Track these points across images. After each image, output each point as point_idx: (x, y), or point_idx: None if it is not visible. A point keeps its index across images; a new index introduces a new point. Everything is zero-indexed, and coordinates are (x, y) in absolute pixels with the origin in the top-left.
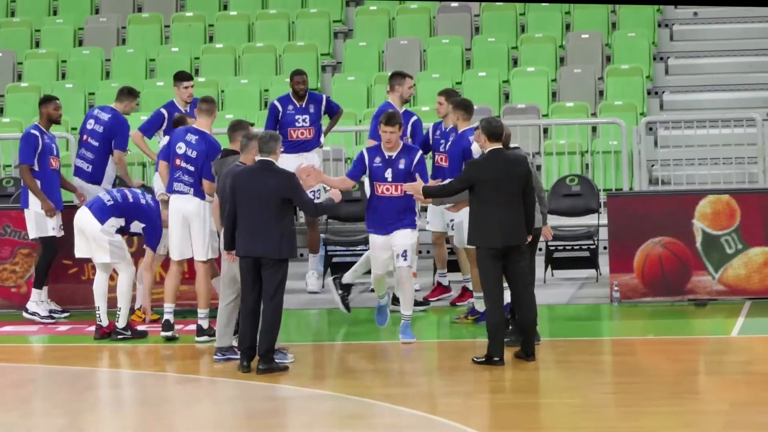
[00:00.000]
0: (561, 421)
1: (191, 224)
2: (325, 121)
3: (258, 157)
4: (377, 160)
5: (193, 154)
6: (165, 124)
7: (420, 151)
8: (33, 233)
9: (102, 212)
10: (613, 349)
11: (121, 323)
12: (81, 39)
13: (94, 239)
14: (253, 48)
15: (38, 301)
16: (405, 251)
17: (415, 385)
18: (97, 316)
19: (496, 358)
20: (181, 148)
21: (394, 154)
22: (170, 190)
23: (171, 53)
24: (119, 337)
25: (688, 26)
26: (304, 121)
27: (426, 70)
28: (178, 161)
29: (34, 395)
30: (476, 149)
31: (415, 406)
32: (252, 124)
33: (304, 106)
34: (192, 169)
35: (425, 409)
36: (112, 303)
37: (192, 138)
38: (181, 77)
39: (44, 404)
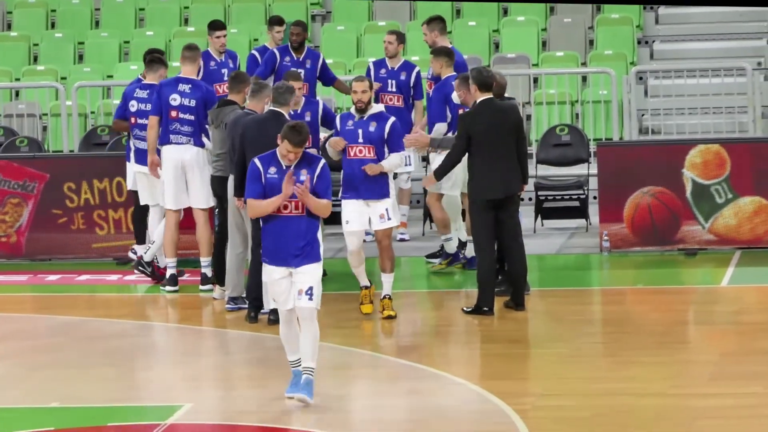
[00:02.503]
0: (550, 370)
1: (189, 173)
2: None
3: (269, 107)
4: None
5: (192, 103)
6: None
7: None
8: (131, 186)
9: None
10: (602, 299)
11: (148, 256)
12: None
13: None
14: None
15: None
16: (310, 288)
17: (406, 335)
18: (146, 252)
19: (485, 308)
20: (175, 99)
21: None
22: (165, 141)
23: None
24: (139, 268)
25: None
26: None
27: (416, 19)
28: (174, 113)
29: (26, 346)
30: (455, 98)
31: (405, 355)
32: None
33: (301, 59)
34: (192, 118)
35: (414, 358)
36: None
37: (185, 87)
38: (213, 26)
39: (39, 356)
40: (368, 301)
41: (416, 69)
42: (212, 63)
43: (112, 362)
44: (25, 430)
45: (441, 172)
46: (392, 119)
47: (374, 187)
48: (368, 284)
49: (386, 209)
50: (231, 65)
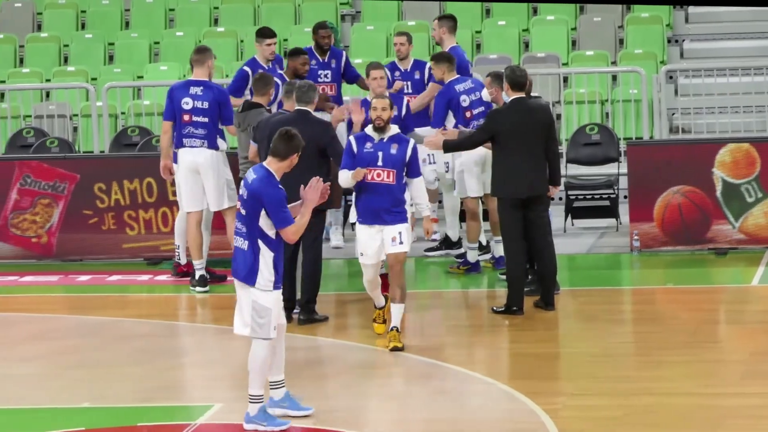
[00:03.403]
0: (580, 370)
1: (205, 175)
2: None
3: (295, 107)
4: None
5: (204, 105)
6: (250, 83)
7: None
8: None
9: None
10: (632, 299)
11: (183, 260)
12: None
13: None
14: None
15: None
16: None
17: (435, 335)
18: (177, 254)
19: (515, 308)
20: (187, 103)
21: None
22: (179, 145)
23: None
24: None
25: None
26: (326, 76)
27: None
28: (186, 117)
29: (57, 346)
30: (486, 95)
31: (435, 355)
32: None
33: (326, 60)
34: (206, 120)
35: (443, 358)
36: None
37: (197, 90)
38: (263, 34)
39: (70, 356)
40: (381, 321)
41: (427, 64)
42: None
43: (142, 362)
44: (55, 430)
45: (450, 147)
46: (413, 142)
47: (392, 214)
48: (383, 304)
49: (399, 232)
50: (279, 72)
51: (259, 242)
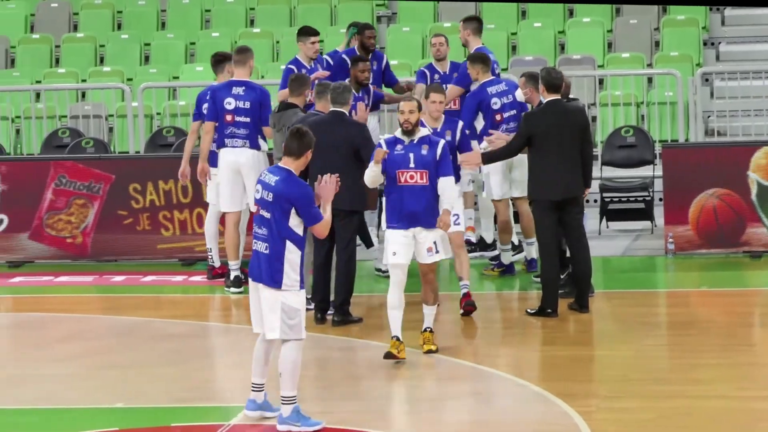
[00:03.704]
0: (613, 372)
1: (246, 175)
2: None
3: (330, 108)
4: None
5: (246, 105)
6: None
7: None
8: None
9: None
10: (667, 301)
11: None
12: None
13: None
14: None
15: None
16: (434, 242)
17: (469, 336)
18: (210, 257)
19: (549, 310)
20: (230, 103)
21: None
22: (221, 145)
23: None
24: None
25: None
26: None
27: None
28: (229, 117)
29: (92, 346)
30: (520, 96)
31: (469, 357)
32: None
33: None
34: (248, 120)
35: (476, 359)
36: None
37: (239, 90)
38: (306, 32)
39: (104, 357)
40: (396, 351)
41: (462, 64)
42: (303, 72)
43: (176, 363)
44: (89, 431)
45: (489, 159)
46: (442, 142)
47: (425, 217)
48: (399, 336)
49: (434, 242)
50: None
51: (287, 243)
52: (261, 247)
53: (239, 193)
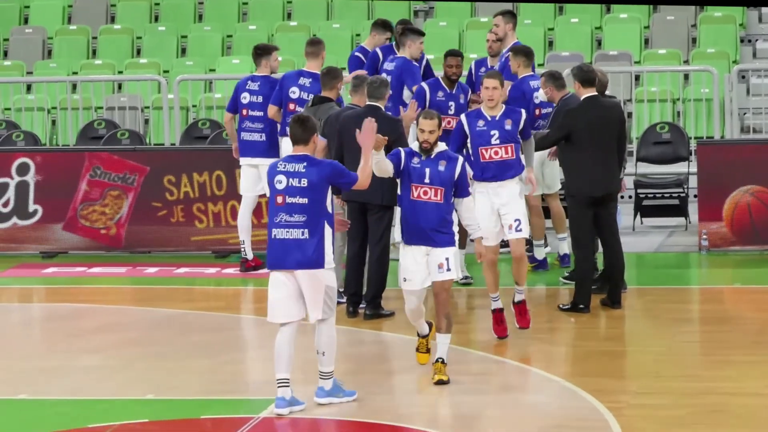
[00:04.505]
0: (645, 368)
1: None
2: None
3: (367, 102)
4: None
5: (309, 97)
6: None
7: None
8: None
9: None
10: (699, 298)
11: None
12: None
13: None
14: None
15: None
16: (447, 259)
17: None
18: (242, 250)
19: (582, 306)
20: (294, 92)
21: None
22: (283, 133)
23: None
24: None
25: None
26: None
27: (518, 16)
28: (292, 105)
29: (124, 338)
30: (542, 95)
31: (501, 353)
32: (343, 69)
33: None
34: None
35: (507, 354)
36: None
37: (306, 81)
38: (386, 26)
39: (136, 348)
40: (424, 350)
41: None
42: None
43: (208, 355)
44: (120, 422)
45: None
46: (461, 159)
47: (439, 234)
48: (427, 332)
49: (446, 258)
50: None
51: (325, 224)
52: (295, 234)
53: None
